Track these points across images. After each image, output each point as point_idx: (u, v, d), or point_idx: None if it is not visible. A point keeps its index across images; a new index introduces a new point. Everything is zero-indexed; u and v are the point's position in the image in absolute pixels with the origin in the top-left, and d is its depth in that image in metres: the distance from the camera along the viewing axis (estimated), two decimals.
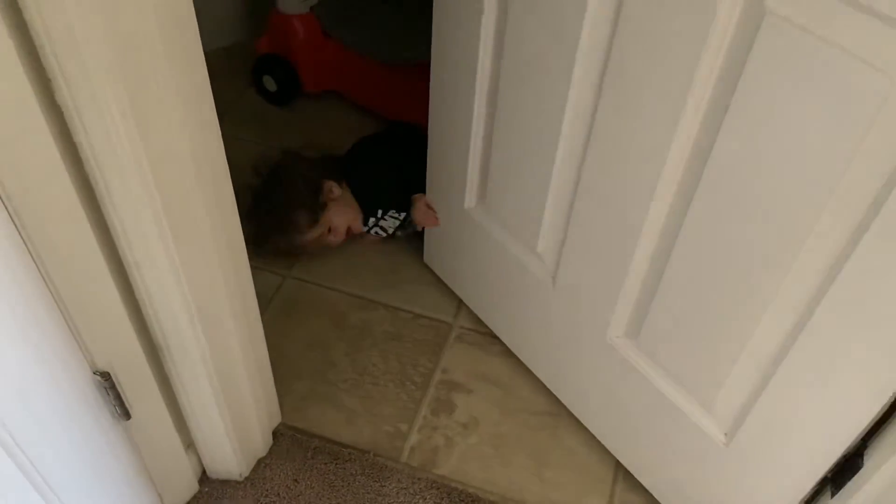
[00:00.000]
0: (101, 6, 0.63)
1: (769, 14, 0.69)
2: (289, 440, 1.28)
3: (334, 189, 1.51)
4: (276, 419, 1.30)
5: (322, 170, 1.53)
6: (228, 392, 1.08)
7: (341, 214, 1.52)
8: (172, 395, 1.05)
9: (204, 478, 1.22)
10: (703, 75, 0.79)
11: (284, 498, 1.20)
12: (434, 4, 1.14)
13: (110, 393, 0.89)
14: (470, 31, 1.08)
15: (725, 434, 1.01)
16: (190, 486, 1.19)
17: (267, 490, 1.21)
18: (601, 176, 0.99)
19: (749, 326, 0.89)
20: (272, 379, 1.23)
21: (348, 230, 1.54)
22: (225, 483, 1.21)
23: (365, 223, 1.55)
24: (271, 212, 1.48)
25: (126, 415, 0.94)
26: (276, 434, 1.28)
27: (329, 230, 1.51)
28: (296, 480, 1.22)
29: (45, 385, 0.80)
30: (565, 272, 1.16)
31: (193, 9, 0.73)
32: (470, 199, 1.30)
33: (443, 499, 1.21)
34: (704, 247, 0.89)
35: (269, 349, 1.17)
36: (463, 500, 1.21)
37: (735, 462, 1.01)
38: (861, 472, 0.85)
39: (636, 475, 1.23)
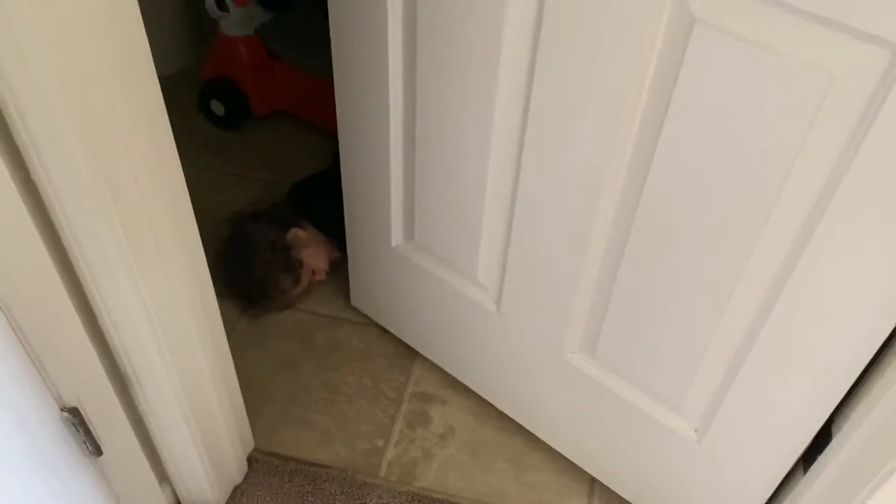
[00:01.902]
0: (50, 34, 0.62)
1: (698, 23, 0.69)
2: (264, 465, 1.26)
3: (300, 235, 1.48)
4: (250, 445, 1.28)
5: (279, 220, 1.50)
6: (200, 421, 1.06)
7: (316, 256, 1.50)
8: (144, 428, 1.03)
9: None
10: (636, 86, 0.77)
11: None
12: (331, 27, 1.05)
13: (80, 429, 0.87)
14: (376, 45, 1.00)
15: (696, 430, 1.03)
16: None
17: None
18: (539, 196, 0.96)
19: (709, 326, 0.89)
20: (243, 405, 1.21)
21: (329, 262, 1.53)
22: None
23: (340, 248, 1.54)
24: (252, 283, 1.47)
25: (98, 451, 0.91)
26: (250, 460, 1.26)
27: (313, 273, 1.50)
28: None
29: (12, 425, 0.78)
30: (510, 297, 1.12)
31: (145, 36, 0.73)
32: (396, 237, 1.24)
33: None
34: (655, 255, 0.89)
35: (238, 375, 1.16)
36: None
37: (709, 456, 1.02)
38: (831, 444, 0.88)
39: (610, 486, 1.22)
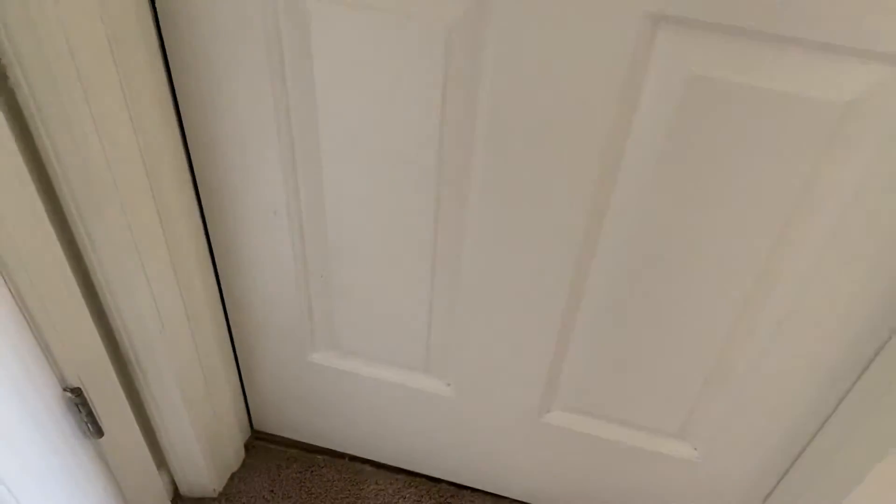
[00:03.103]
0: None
1: (689, 77, 0.66)
2: (262, 452, 1.26)
3: None
4: (248, 432, 1.28)
5: None
6: (198, 406, 1.06)
7: None
8: (144, 412, 1.04)
9: (177, 497, 1.20)
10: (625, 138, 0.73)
11: None
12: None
13: (82, 410, 0.87)
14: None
15: (696, 448, 1.02)
16: None
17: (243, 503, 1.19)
18: (490, 273, 0.89)
19: (698, 351, 0.88)
20: (241, 391, 1.22)
21: None
22: (199, 501, 1.19)
23: None
24: None
25: (99, 432, 0.91)
26: (248, 446, 1.27)
27: None
28: (272, 491, 1.21)
29: (14, 403, 0.78)
30: (467, 379, 1.04)
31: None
32: (313, 349, 1.11)
33: (422, 496, 1.21)
34: (643, 299, 0.85)
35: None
36: (442, 496, 1.21)
37: (711, 470, 1.03)
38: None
39: None
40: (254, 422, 1.29)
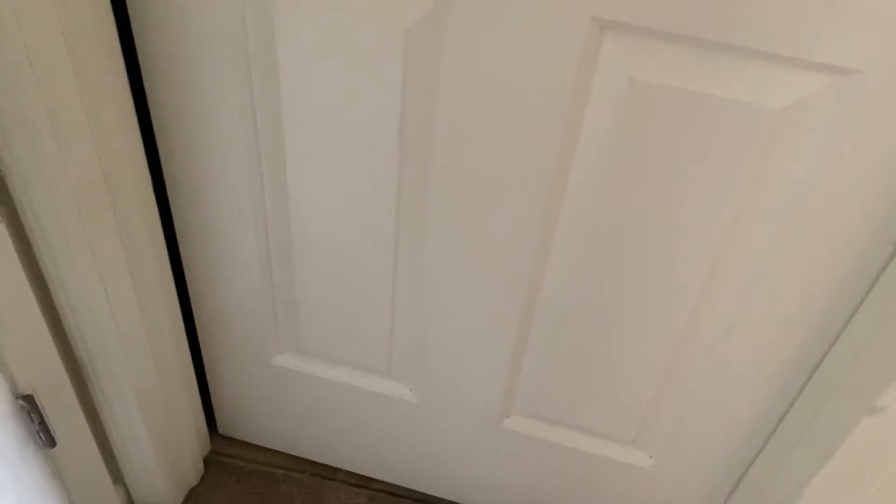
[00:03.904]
0: None
1: (635, 83, 0.68)
2: (221, 466, 1.25)
3: None
4: (207, 446, 1.27)
5: None
6: (156, 418, 1.05)
7: None
8: (99, 424, 1.02)
9: None
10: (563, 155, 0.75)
11: None
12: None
13: (34, 418, 0.86)
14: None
15: (651, 456, 1.03)
16: None
17: None
18: (449, 278, 0.89)
19: (655, 359, 0.90)
20: (200, 405, 1.21)
21: None
22: None
23: None
24: None
25: (51, 442, 0.90)
26: (207, 461, 1.25)
27: None
28: None
29: None
30: (429, 383, 1.05)
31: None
32: (278, 352, 1.11)
33: None
34: (591, 305, 0.87)
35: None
36: None
37: (666, 478, 1.04)
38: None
39: None
40: (219, 426, 1.29)
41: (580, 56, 0.66)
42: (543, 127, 0.72)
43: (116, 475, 1.11)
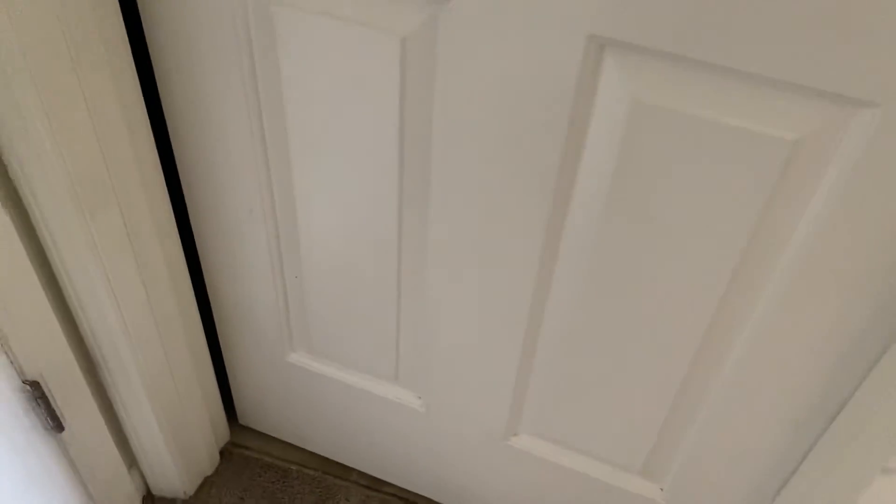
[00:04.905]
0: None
1: (638, 105, 0.64)
2: (237, 458, 1.26)
3: None
4: (225, 437, 1.29)
5: None
6: (169, 409, 1.07)
7: None
8: (112, 410, 1.04)
9: (148, 496, 1.20)
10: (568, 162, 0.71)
11: None
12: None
13: (40, 403, 0.88)
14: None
15: (662, 489, 0.99)
16: None
17: None
18: (453, 287, 0.87)
19: (666, 388, 0.86)
20: (219, 396, 1.22)
21: None
22: (170, 502, 1.20)
23: None
24: None
25: (58, 427, 0.92)
26: (224, 452, 1.27)
27: None
28: (241, 499, 1.20)
29: None
30: (436, 394, 1.03)
31: None
32: (291, 350, 1.12)
33: None
34: (601, 327, 0.83)
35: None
36: None
37: None
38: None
39: None
40: (239, 417, 1.31)
41: (578, 74, 0.63)
42: (543, 144, 0.69)
43: (131, 461, 1.14)
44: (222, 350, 1.19)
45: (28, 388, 0.87)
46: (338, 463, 1.27)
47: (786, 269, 0.68)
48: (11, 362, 0.84)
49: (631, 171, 0.68)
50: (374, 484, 1.24)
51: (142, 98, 0.82)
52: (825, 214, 0.63)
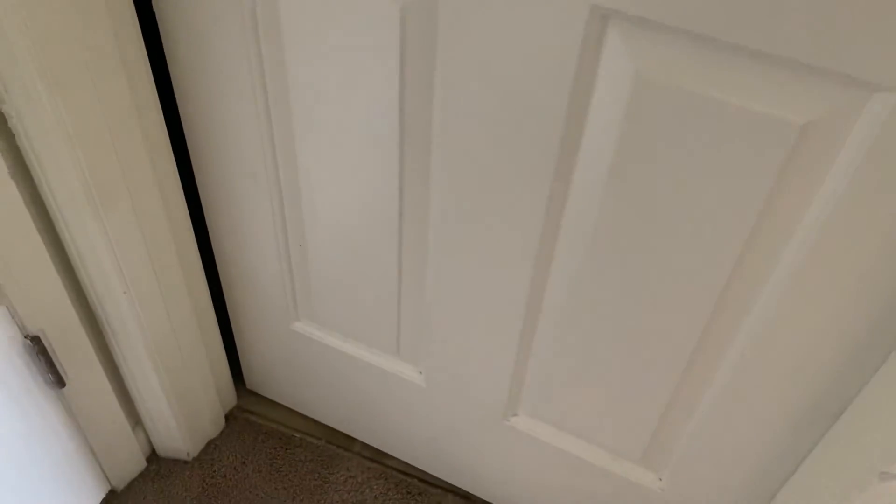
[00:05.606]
0: None
1: (642, 81, 0.61)
2: (242, 423, 1.27)
3: None
4: (232, 402, 1.30)
5: None
6: (173, 372, 1.08)
7: None
8: (115, 368, 1.05)
9: (153, 455, 1.22)
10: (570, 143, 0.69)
11: (231, 479, 1.19)
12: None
13: (41, 358, 0.89)
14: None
15: (661, 479, 0.97)
16: (137, 464, 1.18)
17: (214, 471, 1.20)
18: (453, 262, 0.86)
19: (667, 374, 0.83)
20: (226, 360, 1.23)
21: None
22: (174, 462, 1.21)
23: None
24: None
25: (59, 382, 0.93)
26: (230, 417, 1.28)
27: None
28: (243, 463, 1.21)
29: None
30: (436, 369, 1.02)
31: None
32: (296, 318, 1.12)
33: (389, 489, 1.20)
34: (601, 311, 0.81)
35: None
36: (409, 492, 1.19)
37: (675, 502, 0.97)
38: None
39: None
40: (246, 382, 1.32)
41: (580, 47, 0.60)
42: (544, 120, 0.66)
43: (136, 420, 1.15)
44: (230, 317, 1.19)
45: (29, 342, 0.87)
46: (342, 433, 1.27)
47: (791, 259, 0.65)
48: (13, 316, 0.85)
49: (633, 150, 0.65)
50: (377, 456, 1.24)
51: (147, 58, 0.82)
52: (833, 204, 0.59)
